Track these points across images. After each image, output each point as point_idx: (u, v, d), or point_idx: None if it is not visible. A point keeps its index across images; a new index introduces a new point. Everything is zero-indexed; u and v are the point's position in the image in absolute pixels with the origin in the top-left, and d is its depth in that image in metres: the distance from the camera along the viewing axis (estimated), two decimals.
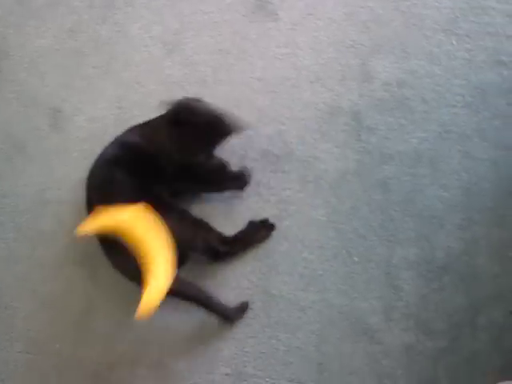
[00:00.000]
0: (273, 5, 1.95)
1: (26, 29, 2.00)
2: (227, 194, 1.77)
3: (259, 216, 1.75)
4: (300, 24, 1.92)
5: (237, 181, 1.77)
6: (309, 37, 1.90)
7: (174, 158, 1.64)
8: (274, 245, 1.71)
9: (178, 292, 1.55)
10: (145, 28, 1.96)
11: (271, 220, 1.74)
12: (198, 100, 1.70)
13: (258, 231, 1.69)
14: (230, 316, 1.63)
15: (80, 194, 1.68)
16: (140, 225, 1.51)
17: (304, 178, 1.78)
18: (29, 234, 1.81)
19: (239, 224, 1.75)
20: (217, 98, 1.80)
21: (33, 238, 1.80)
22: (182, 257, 1.58)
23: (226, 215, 1.77)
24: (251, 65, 1.90)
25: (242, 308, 1.68)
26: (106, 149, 1.68)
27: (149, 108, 1.78)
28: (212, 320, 1.66)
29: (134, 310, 1.43)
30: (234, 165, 1.78)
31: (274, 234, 1.73)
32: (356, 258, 1.71)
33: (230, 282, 1.70)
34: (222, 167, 1.71)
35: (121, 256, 1.55)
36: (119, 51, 1.94)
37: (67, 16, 1.99)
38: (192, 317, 1.67)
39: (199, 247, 1.62)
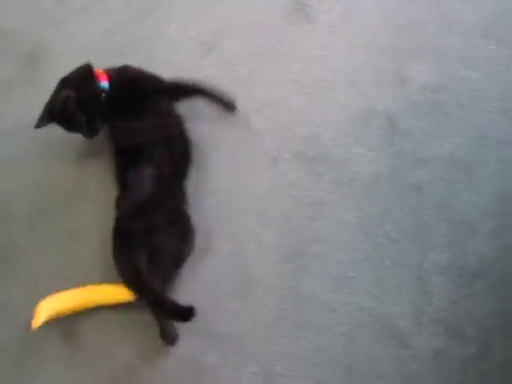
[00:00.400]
0: (311, 7, 1.97)
1: (66, 29, 2.04)
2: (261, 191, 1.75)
3: (291, 217, 1.74)
4: (337, 27, 1.93)
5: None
6: (345, 40, 1.91)
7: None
8: (306, 246, 1.72)
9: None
10: (182, 28, 1.98)
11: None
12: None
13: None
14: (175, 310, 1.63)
15: None
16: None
17: (338, 180, 1.78)
18: None
19: (270, 221, 1.77)
20: (253, 98, 1.85)
21: None
22: None
23: (258, 215, 1.75)
24: (288, 66, 1.91)
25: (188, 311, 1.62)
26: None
27: (186, 107, 1.80)
28: (245, 318, 1.65)
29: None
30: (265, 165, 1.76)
31: (306, 234, 1.71)
32: (387, 262, 1.70)
33: (262, 282, 1.69)
34: None
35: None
36: (156, 51, 1.97)
37: (104, 17, 2.03)
38: (224, 314, 1.65)
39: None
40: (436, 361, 1.60)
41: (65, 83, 1.74)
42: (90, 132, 1.75)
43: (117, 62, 1.88)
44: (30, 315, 1.62)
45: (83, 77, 1.74)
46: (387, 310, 1.65)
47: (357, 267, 1.71)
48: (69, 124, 1.74)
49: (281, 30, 1.94)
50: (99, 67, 1.77)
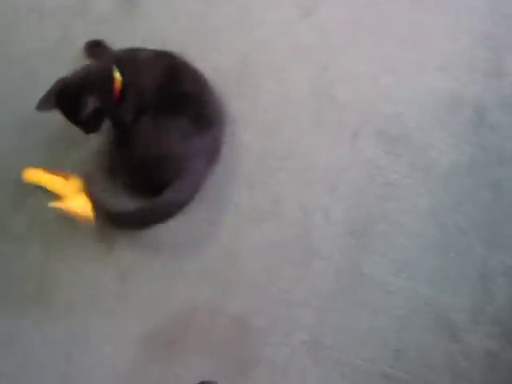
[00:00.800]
0: None
1: None
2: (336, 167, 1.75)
3: (362, 193, 1.76)
4: (439, 6, 1.87)
5: None
6: (446, 21, 1.88)
7: None
8: (373, 225, 1.71)
9: None
10: None
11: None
12: None
13: None
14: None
15: None
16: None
17: (414, 164, 1.76)
18: None
19: (341, 194, 1.77)
20: (342, 69, 1.85)
21: None
22: None
23: (330, 187, 1.76)
24: (381, 42, 1.90)
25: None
26: None
27: (274, 68, 1.84)
28: (301, 286, 1.67)
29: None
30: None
31: (375, 213, 1.70)
32: (452, 254, 1.68)
33: (322, 252, 1.69)
34: None
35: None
36: (253, 7, 1.95)
37: None
38: (281, 279, 1.66)
39: None
40: (487, 361, 1.58)
41: (87, 84, 1.65)
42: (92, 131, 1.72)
43: (211, 10, 1.91)
44: None
45: (106, 83, 1.67)
46: (445, 301, 1.63)
47: (420, 253, 1.69)
48: (76, 123, 1.68)
49: (381, 2, 1.89)
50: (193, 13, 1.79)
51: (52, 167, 1.76)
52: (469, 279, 1.65)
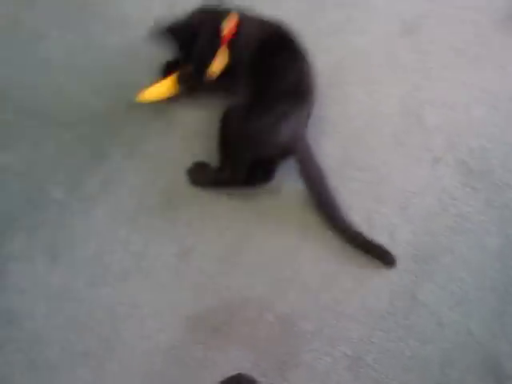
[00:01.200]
0: None
1: None
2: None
3: (432, 220, 1.74)
4: None
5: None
6: None
7: None
8: (437, 253, 1.69)
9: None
10: (390, 2, 1.94)
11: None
12: None
13: None
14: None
15: None
16: None
17: (491, 201, 1.73)
18: None
19: (410, 216, 1.75)
20: (435, 93, 1.83)
21: None
22: None
23: (401, 207, 1.76)
24: (482, 72, 1.86)
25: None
26: None
27: (367, 78, 1.89)
28: (354, 299, 1.67)
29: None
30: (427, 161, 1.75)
31: (441, 243, 1.68)
32: None
33: (381, 270, 1.68)
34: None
35: None
36: (356, 15, 1.94)
37: None
38: (335, 289, 1.66)
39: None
40: None
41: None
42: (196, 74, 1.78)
43: (317, 12, 1.88)
44: None
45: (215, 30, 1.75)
46: (497, 344, 1.60)
47: (480, 292, 1.66)
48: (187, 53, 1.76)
49: (487, 33, 1.88)
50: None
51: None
52: None
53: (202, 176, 1.79)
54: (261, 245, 1.73)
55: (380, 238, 1.71)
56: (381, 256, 1.70)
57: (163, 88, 1.84)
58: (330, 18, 1.90)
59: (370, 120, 1.82)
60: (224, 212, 1.78)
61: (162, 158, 1.82)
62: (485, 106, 1.81)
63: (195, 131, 1.86)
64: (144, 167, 1.82)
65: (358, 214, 1.75)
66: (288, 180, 1.76)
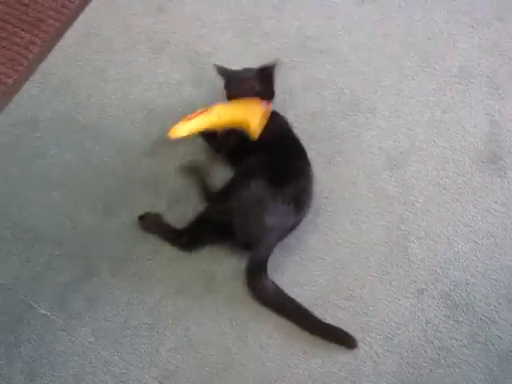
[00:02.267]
0: (504, 162, 1.98)
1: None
2: None
3: (415, 352, 1.77)
4: None
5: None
6: None
7: None
8: None
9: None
10: (377, 138, 2.04)
11: None
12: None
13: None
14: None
15: None
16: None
17: (474, 336, 1.75)
18: None
19: (394, 348, 1.77)
20: (419, 226, 1.91)
21: None
22: None
23: (385, 337, 1.78)
24: (463, 208, 1.92)
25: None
26: None
27: (352, 209, 1.96)
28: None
29: None
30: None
31: (425, 376, 1.71)
32: None
33: None
34: None
35: None
36: (345, 148, 2.04)
37: (315, 102, 2.11)
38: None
39: None
40: None
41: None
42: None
43: (309, 145, 1.99)
44: None
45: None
46: None
47: None
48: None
49: (468, 171, 1.97)
50: None
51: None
52: None
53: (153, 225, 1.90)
54: (242, 371, 1.71)
55: (364, 367, 1.72)
56: (341, 340, 1.73)
57: (195, 124, 1.88)
58: (321, 149, 1.98)
59: (355, 249, 1.86)
60: (209, 337, 1.78)
61: (150, 278, 1.83)
62: (467, 240, 1.86)
63: (182, 255, 1.90)
64: (131, 286, 1.82)
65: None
66: None
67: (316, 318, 1.76)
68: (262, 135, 1.86)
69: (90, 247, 1.91)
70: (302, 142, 1.95)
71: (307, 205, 1.87)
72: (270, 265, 1.83)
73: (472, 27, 2.27)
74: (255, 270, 1.79)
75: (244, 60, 2.09)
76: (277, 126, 1.94)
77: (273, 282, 1.79)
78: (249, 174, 1.83)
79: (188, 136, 1.87)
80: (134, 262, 1.88)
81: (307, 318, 1.76)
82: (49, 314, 1.81)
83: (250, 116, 1.84)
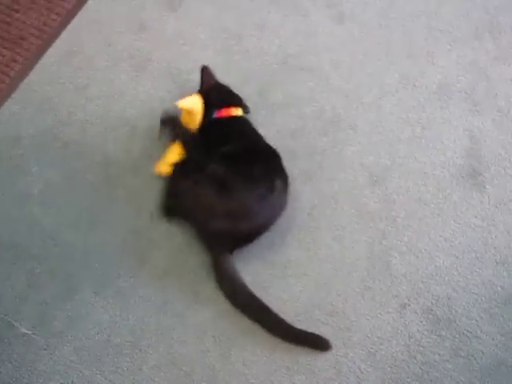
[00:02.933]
0: (483, 177, 2.01)
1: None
2: None
3: (399, 367, 1.77)
4: (504, 205, 1.96)
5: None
6: (508, 220, 1.94)
7: None
8: None
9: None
10: (358, 154, 2.06)
11: None
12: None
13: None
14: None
15: None
16: None
17: (457, 350, 1.76)
18: None
19: (377, 363, 1.79)
20: (401, 241, 1.93)
21: None
22: None
23: (368, 353, 1.79)
24: (443, 223, 1.94)
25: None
26: None
27: (335, 225, 1.97)
28: None
29: None
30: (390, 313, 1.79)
31: None
32: None
33: None
34: None
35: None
36: (326, 164, 2.05)
37: (296, 119, 2.13)
38: None
39: None
40: None
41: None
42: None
43: (287, 162, 2.00)
44: None
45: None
46: None
47: None
48: None
49: (448, 186, 2.00)
50: None
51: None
52: None
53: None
54: None
55: (347, 383, 1.71)
56: (314, 343, 1.76)
57: (174, 155, 1.96)
58: (302, 166, 1.99)
59: (338, 265, 1.88)
60: (192, 354, 1.80)
61: (133, 295, 1.83)
62: (448, 255, 1.88)
63: (166, 270, 1.91)
64: (114, 304, 1.81)
65: (326, 358, 1.77)
66: None
67: (286, 322, 1.77)
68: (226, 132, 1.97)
69: (72, 264, 1.89)
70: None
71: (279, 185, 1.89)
72: (252, 281, 1.85)
73: (450, 45, 2.27)
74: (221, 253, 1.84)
75: (225, 77, 2.09)
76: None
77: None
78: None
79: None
80: (116, 280, 1.85)
81: (277, 323, 1.78)
82: (30, 332, 1.78)
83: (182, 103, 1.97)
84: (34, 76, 2.24)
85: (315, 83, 2.19)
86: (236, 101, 2.05)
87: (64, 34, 2.33)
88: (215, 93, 2.05)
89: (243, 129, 2.01)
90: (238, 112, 2.03)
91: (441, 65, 2.24)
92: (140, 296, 1.84)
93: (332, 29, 2.34)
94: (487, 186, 1.99)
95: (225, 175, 1.83)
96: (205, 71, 2.09)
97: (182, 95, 2.05)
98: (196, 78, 2.12)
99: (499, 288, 1.83)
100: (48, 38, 2.30)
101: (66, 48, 2.30)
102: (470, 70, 2.21)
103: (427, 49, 2.28)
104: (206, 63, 2.15)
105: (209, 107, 1.99)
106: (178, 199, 1.89)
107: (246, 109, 2.07)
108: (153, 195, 2.00)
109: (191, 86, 2.15)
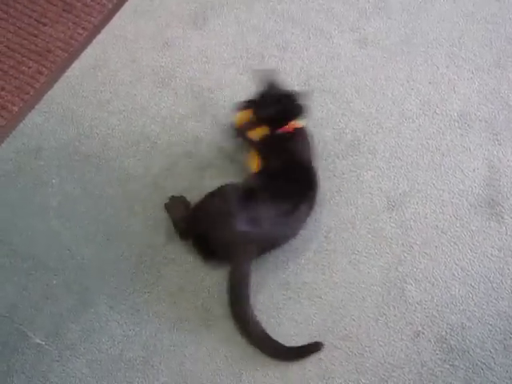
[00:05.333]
0: (502, 207, 2.00)
1: None
2: None
3: None
4: None
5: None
6: None
7: None
8: None
9: None
10: (377, 179, 2.06)
11: None
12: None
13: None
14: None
15: None
16: None
17: (470, 381, 1.75)
18: None
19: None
20: (417, 269, 1.93)
21: None
22: None
23: (381, 379, 1.79)
24: (460, 252, 1.93)
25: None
26: None
27: (351, 249, 1.98)
28: None
29: None
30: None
31: None
32: None
33: None
34: None
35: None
36: (345, 188, 2.06)
37: (316, 141, 2.15)
38: None
39: None
40: None
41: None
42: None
43: None
44: None
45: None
46: None
47: None
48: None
49: (466, 215, 1.99)
50: None
51: None
52: None
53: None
54: None
55: None
56: (308, 352, 1.79)
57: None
58: (321, 188, 2.01)
59: (353, 289, 1.87)
60: (203, 372, 1.81)
61: (147, 311, 1.84)
62: (464, 284, 1.87)
63: (180, 287, 1.92)
64: (128, 319, 1.83)
65: (337, 382, 1.77)
66: None
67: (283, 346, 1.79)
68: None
69: (88, 278, 1.90)
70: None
71: (298, 213, 1.92)
72: (266, 302, 1.86)
73: (472, 73, 2.27)
74: (237, 291, 1.84)
75: (247, 96, 2.11)
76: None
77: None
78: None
79: None
80: (131, 295, 1.86)
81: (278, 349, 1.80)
82: (43, 343, 1.79)
83: None
84: (58, 88, 2.27)
85: (336, 106, 2.20)
86: (299, 112, 2.02)
87: (89, 49, 2.36)
88: (280, 105, 2.01)
89: (296, 145, 2.02)
90: (299, 124, 2.02)
91: (462, 92, 2.23)
92: (154, 312, 1.84)
93: (355, 53, 2.34)
94: (505, 217, 1.98)
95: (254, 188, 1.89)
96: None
97: (203, 113, 2.07)
98: (217, 96, 2.12)
99: None
100: (74, 52, 2.33)
101: (90, 62, 2.32)
102: (492, 98, 2.21)
103: (449, 76, 2.28)
104: (228, 82, 2.16)
105: (273, 123, 2.01)
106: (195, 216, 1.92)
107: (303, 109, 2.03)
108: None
109: (212, 103, 2.15)
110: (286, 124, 2.00)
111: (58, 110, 2.23)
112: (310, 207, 1.96)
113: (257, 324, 1.81)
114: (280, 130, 2.00)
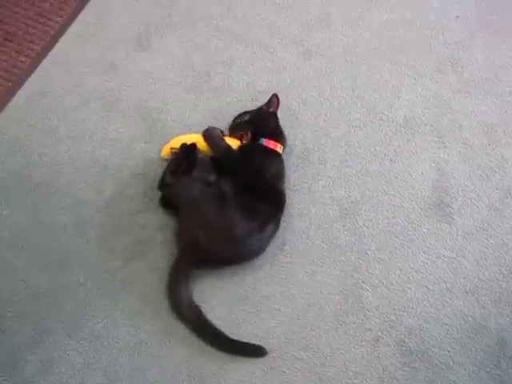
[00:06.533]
0: (451, 209, 2.04)
1: None
2: None
3: None
4: (472, 236, 1.98)
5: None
6: (477, 250, 1.96)
7: None
8: None
9: None
10: (328, 188, 2.09)
11: None
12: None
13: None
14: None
15: None
16: None
17: (431, 382, 1.79)
18: None
19: None
20: (372, 274, 1.96)
21: None
22: None
23: None
24: (414, 255, 1.97)
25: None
26: None
27: (307, 260, 1.99)
28: None
29: None
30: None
31: None
32: None
33: None
34: None
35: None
36: (298, 199, 2.08)
37: None
38: None
39: None
40: None
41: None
42: None
43: None
44: None
45: None
46: None
47: None
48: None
49: (417, 218, 2.03)
50: None
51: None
52: None
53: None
54: None
55: None
56: (252, 352, 1.81)
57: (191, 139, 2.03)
58: None
59: (311, 300, 1.89)
60: None
61: (106, 336, 1.82)
62: (419, 287, 1.91)
63: (138, 310, 1.91)
64: (87, 346, 1.81)
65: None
66: None
67: (226, 336, 1.81)
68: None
69: (44, 307, 1.88)
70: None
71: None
72: (226, 319, 1.87)
73: (415, 79, 2.33)
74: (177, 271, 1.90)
75: (195, 115, 2.12)
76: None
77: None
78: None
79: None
80: (89, 321, 1.85)
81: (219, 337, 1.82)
82: (1, 378, 1.75)
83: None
84: (3, 118, 2.24)
85: (284, 119, 2.22)
86: (283, 139, 2.12)
87: (33, 76, 2.34)
88: (273, 122, 2.13)
89: (276, 168, 2.05)
90: (280, 150, 2.07)
91: (406, 98, 2.28)
92: (113, 337, 1.83)
93: (299, 65, 2.38)
94: (455, 217, 2.02)
95: (229, 197, 1.91)
96: (274, 98, 2.15)
97: (152, 134, 2.06)
98: (165, 117, 2.13)
99: (470, 318, 1.86)
100: (17, 80, 2.30)
101: (35, 90, 2.30)
102: (435, 103, 2.26)
103: (392, 83, 2.32)
104: (175, 101, 2.17)
105: (261, 131, 2.06)
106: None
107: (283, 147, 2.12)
108: (125, 235, 1.97)
109: (160, 124, 2.15)
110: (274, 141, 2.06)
111: (4, 140, 2.20)
112: (276, 228, 1.98)
113: (196, 309, 1.84)
114: (265, 144, 2.04)
